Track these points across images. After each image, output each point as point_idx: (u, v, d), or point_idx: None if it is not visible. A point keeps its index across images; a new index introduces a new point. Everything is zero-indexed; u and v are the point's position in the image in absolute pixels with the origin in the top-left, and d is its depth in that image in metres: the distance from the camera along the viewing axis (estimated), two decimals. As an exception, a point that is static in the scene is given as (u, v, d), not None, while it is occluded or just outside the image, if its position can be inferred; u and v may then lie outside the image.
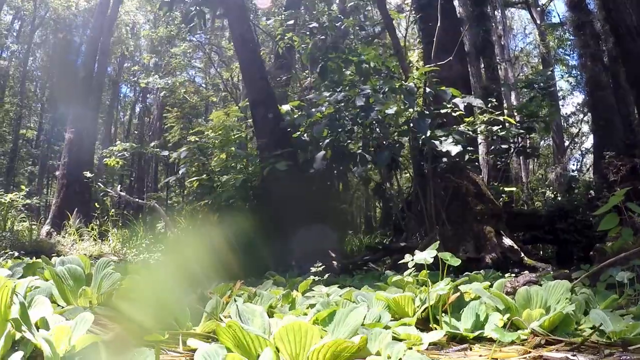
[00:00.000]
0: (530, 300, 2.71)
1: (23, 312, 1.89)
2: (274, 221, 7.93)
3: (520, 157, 13.85)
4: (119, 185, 23.85)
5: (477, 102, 5.78)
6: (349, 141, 6.67)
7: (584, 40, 13.65)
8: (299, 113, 7.63)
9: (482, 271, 5.34)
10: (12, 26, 27.82)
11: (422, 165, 7.58)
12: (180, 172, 8.95)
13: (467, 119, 6.98)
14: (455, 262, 2.69)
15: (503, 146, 7.62)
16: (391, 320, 2.65)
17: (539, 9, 22.64)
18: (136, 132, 33.69)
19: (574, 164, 24.43)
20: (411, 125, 5.91)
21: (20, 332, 1.87)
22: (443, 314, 2.64)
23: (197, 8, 8.31)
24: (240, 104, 9.60)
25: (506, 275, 5.06)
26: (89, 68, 18.85)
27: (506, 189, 8.11)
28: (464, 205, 7.91)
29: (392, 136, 6.23)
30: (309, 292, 3.90)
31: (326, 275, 4.76)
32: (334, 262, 7.85)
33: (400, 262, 3.47)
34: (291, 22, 8.77)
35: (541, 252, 10.17)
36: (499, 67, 20.23)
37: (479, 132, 7.03)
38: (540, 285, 2.98)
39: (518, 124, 7.88)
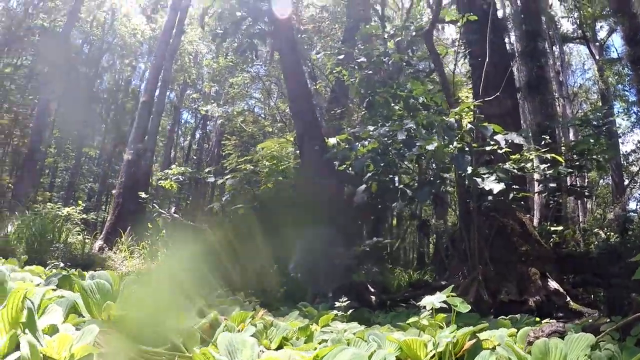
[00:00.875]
0: (548, 355, 2.54)
1: (30, 317, 2.12)
2: (314, 252, 7.99)
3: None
4: (173, 207, 24.56)
5: (519, 139, 5.68)
6: (391, 176, 6.68)
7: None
8: (345, 146, 7.72)
9: (518, 315, 5.17)
10: (82, 50, 29.58)
11: (467, 202, 7.48)
12: (223, 199, 9.18)
13: (513, 157, 6.87)
14: (465, 308, 2.64)
15: (551, 185, 7.43)
16: (398, 364, 2.61)
17: (597, 43, 22.05)
18: (194, 157, 34.79)
19: (634, 204, 23.30)
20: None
21: (24, 334, 2.03)
22: (454, 361, 2.59)
23: (249, 40, 8.62)
24: (288, 135, 9.82)
25: (544, 321, 4.87)
26: (151, 93, 19.68)
27: (552, 228, 7.86)
28: (509, 245, 7.73)
29: (436, 172, 6.19)
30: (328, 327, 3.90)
31: (350, 311, 4.71)
32: (372, 296, 7.81)
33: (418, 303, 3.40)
34: (342, 57, 8.96)
35: (592, 297, 9.72)
36: (557, 103, 19.77)
37: (526, 170, 6.89)
38: (563, 337, 2.88)
39: (568, 162, 7.69)
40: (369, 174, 6.86)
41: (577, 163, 7.52)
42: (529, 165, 6.83)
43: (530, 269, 7.45)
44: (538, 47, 12.31)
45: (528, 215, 8.03)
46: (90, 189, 31.35)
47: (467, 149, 5.46)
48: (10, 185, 22.09)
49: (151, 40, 27.49)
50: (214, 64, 20.52)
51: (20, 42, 22.92)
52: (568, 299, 7.32)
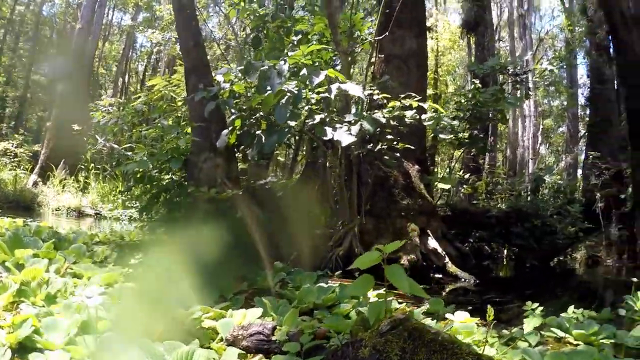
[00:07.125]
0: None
1: None
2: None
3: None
4: (114, 139, 23.89)
5: (356, 89, 5.04)
6: (247, 121, 6.09)
7: (590, 26, 12.40)
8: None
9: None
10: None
11: (351, 149, 6.93)
12: (99, 140, 8.48)
13: (389, 105, 6.32)
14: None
15: (442, 136, 6.89)
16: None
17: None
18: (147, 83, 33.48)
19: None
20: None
21: None
22: None
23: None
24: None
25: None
26: (86, 18, 18.63)
27: (438, 183, 7.38)
28: (389, 198, 7.29)
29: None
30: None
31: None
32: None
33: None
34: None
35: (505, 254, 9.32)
36: (517, 46, 19.02)
37: (406, 119, 6.30)
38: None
39: (453, 112, 7.17)
40: (232, 118, 6.29)
41: (470, 114, 6.95)
42: (408, 114, 6.25)
43: (409, 225, 7.03)
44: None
45: (416, 167, 7.54)
46: (39, 117, 30.12)
47: (291, 98, 4.81)
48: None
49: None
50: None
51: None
52: (447, 260, 6.93)
